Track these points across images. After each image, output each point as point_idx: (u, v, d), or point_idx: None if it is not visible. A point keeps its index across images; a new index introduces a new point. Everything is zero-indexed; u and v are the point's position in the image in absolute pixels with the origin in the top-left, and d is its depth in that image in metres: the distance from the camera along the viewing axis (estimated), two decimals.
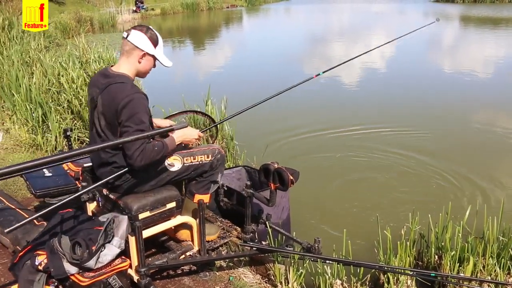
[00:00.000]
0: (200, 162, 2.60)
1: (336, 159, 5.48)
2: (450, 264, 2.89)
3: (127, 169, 2.38)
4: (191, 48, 16.68)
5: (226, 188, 3.20)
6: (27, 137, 5.12)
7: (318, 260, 2.79)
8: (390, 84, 9.61)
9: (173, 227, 2.74)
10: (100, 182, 2.41)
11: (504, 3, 29.59)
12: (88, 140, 5.20)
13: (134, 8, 26.83)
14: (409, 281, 2.84)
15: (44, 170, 3.20)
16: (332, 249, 3.01)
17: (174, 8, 29.89)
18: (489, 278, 2.85)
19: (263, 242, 2.98)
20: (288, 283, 2.78)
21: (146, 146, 2.28)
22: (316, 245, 2.83)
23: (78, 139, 5.25)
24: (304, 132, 6.41)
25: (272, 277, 2.87)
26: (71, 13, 19.76)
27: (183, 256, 2.72)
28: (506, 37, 16.38)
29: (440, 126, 6.64)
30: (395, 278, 2.83)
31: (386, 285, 2.85)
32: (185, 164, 2.56)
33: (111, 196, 2.53)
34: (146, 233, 2.48)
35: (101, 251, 2.28)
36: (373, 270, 2.97)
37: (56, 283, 2.27)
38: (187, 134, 2.57)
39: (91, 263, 2.23)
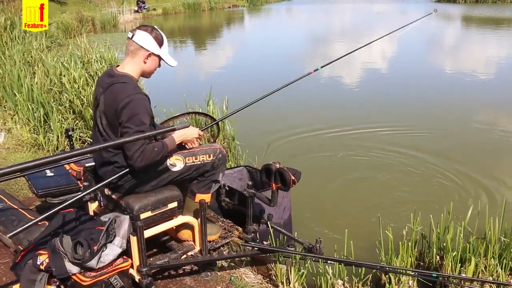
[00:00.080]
0: (202, 162, 2.61)
1: (337, 158, 5.48)
2: (451, 264, 2.89)
3: (128, 169, 2.38)
4: (193, 48, 16.69)
5: (227, 188, 3.20)
6: (29, 137, 5.13)
7: (320, 260, 2.79)
8: (391, 84, 9.61)
9: (174, 227, 2.74)
10: (103, 183, 2.41)
11: (506, 3, 29.55)
12: (89, 140, 5.21)
13: (136, 8, 26.88)
14: (410, 282, 2.84)
15: (46, 170, 3.21)
16: (334, 249, 3.00)
17: (176, 8, 29.93)
18: (491, 278, 2.85)
19: (265, 242, 2.98)
20: (289, 283, 2.78)
21: (146, 147, 2.29)
22: (318, 245, 2.83)
23: (79, 139, 5.26)
24: (305, 132, 6.41)
25: (273, 277, 2.87)
26: (73, 13, 19.80)
27: (185, 256, 2.72)
28: (508, 37, 16.35)
29: (442, 126, 6.64)
30: (397, 278, 2.83)
31: (387, 285, 2.85)
32: (187, 164, 2.56)
33: (113, 196, 2.53)
34: (148, 233, 2.48)
35: (103, 251, 2.28)
36: (375, 270, 2.97)
37: (57, 283, 2.27)
38: (188, 133, 2.57)
39: (92, 263, 2.23)
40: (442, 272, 2.91)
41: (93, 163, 2.94)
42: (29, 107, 5.45)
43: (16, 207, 3.10)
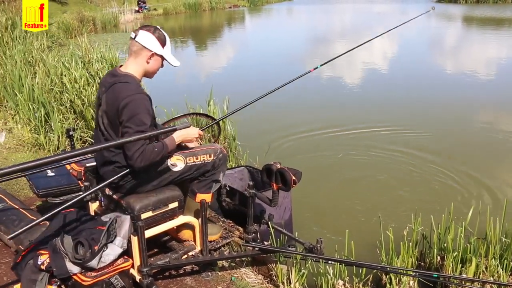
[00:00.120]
0: (203, 162, 2.61)
1: (338, 158, 5.47)
2: (452, 265, 2.88)
3: (129, 169, 2.39)
4: (193, 48, 16.70)
5: (228, 188, 3.20)
6: (30, 137, 5.13)
7: (320, 260, 2.79)
8: (392, 84, 9.61)
9: (175, 227, 2.74)
10: (104, 184, 2.41)
11: (507, 4, 29.53)
12: (90, 140, 5.22)
13: (137, 8, 26.89)
14: (411, 282, 2.84)
15: (47, 169, 3.21)
16: (334, 250, 3.00)
17: (177, 8, 29.93)
18: (492, 279, 2.84)
19: (265, 242, 2.98)
20: (290, 283, 2.77)
21: (146, 147, 2.29)
22: (318, 245, 2.83)
23: (80, 139, 5.26)
24: (306, 132, 6.40)
25: (274, 277, 2.87)
26: (73, 13, 19.80)
27: (186, 256, 2.72)
28: (509, 37, 16.35)
29: (442, 126, 6.64)
30: (397, 278, 2.82)
31: (388, 285, 2.85)
32: (188, 164, 2.56)
33: (114, 196, 2.53)
34: (149, 233, 2.48)
35: (104, 251, 2.28)
36: (375, 271, 2.97)
37: (58, 283, 2.28)
38: (188, 133, 2.57)
39: (93, 263, 2.23)
40: (443, 273, 2.91)
41: (94, 163, 2.94)
42: (30, 107, 5.45)
43: (17, 207, 3.10)
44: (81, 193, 2.96)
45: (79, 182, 3.19)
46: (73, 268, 2.22)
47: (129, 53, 2.48)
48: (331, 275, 2.79)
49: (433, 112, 7.36)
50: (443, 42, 15.97)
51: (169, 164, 2.51)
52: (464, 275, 2.82)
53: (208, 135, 4.99)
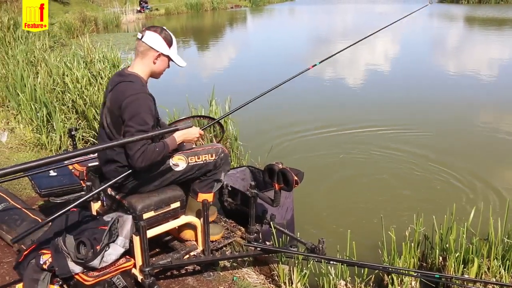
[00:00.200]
0: (205, 162, 2.61)
1: (340, 158, 5.47)
2: (454, 265, 2.88)
3: (131, 169, 2.39)
4: (195, 48, 16.70)
5: (230, 188, 3.20)
6: (32, 137, 5.14)
7: (322, 260, 2.78)
8: (393, 85, 9.60)
9: (177, 227, 2.74)
10: (106, 185, 2.42)
11: (509, 4, 29.45)
12: (92, 140, 5.22)
13: (139, 8, 26.91)
14: (413, 283, 2.84)
15: (49, 169, 3.22)
16: (336, 250, 3.00)
17: (178, 8, 29.95)
18: (494, 279, 2.84)
19: (267, 243, 2.98)
20: (292, 283, 2.77)
21: (147, 147, 2.29)
22: (320, 245, 2.83)
23: (82, 139, 5.27)
24: (308, 132, 6.40)
25: (276, 277, 2.87)
26: (75, 13, 19.84)
27: (187, 256, 2.72)
28: (511, 38, 16.32)
29: (445, 127, 6.63)
30: (399, 279, 2.82)
31: (390, 286, 2.84)
32: (189, 164, 2.56)
33: (116, 195, 2.53)
34: (151, 232, 2.48)
35: (106, 251, 2.28)
36: (377, 271, 2.96)
37: (60, 282, 2.28)
38: (189, 132, 2.57)
39: (95, 263, 2.23)
40: (445, 273, 2.91)
41: (96, 163, 2.95)
42: (32, 106, 5.46)
43: (19, 206, 3.11)
44: (83, 193, 2.97)
45: (81, 182, 3.19)
46: (75, 268, 2.22)
47: (135, 54, 2.49)
48: (333, 276, 2.79)
49: (435, 112, 7.36)
50: (445, 42, 15.95)
51: (171, 164, 2.52)
52: (466, 276, 2.82)
53: (210, 135, 4.99)
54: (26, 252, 2.36)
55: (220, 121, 3.64)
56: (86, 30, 15.28)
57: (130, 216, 2.40)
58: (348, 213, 4.26)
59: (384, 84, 9.69)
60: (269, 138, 5.95)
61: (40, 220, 2.93)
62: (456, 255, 2.88)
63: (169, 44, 2.48)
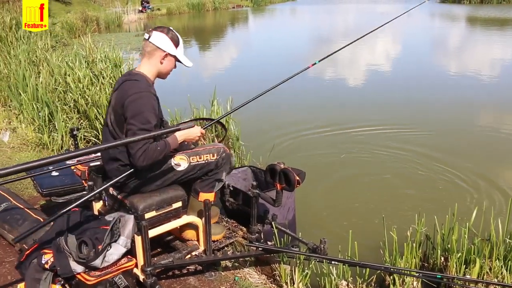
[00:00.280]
0: (206, 161, 2.61)
1: (341, 158, 5.47)
2: (456, 266, 2.87)
3: (133, 169, 2.39)
4: (197, 48, 16.70)
5: (232, 188, 3.20)
6: (34, 136, 5.15)
7: (324, 260, 2.78)
8: (395, 85, 9.59)
9: (178, 227, 2.74)
10: (108, 184, 2.42)
11: (511, 4, 29.39)
12: (94, 139, 5.23)
13: (140, 8, 26.93)
14: (414, 283, 2.83)
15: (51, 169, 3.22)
16: (338, 250, 3.00)
17: (180, 8, 29.97)
18: (496, 280, 2.83)
19: (269, 243, 2.98)
20: (293, 283, 2.77)
21: (149, 146, 2.29)
22: (322, 245, 2.83)
23: (84, 139, 5.27)
24: (309, 132, 6.40)
25: (277, 277, 2.87)
26: (77, 13, 19.88)
27: (189, 255, 2.72)
28: None
29: (447, 127, 6.62)
30: (401, 279, 2.82)
31: (391, 286, 2.84)
32: (191, 164, 2.57)
33: (118, 195, 2.53)
34: (152, 232, 2.48)
35: (107, 250, 2.28)
36: (379, 271, 2.96)
37: (62, 282, 2.28)
38: (190, 132, 2.57)
39: (97, 262, 2.24)
40: (447, 274, 2.90)
41: (98, 163, 2.95)
42: (34, 106, 5.47)
43: (21, 206, 3.11)
44: (84, 192, 2.97)
45: (83, 181, 3.20)
46: (77, 267, 2.23)
47: (142, 54, 2.51)
48: (335, 276, 2.79)
49: (438, 112, 7.34)
50: (447, 43, 15.93)
51: (172, 163, 2.52)
52: (468, 276, 2.81)
53: (212, 135, 4.99)
54: (28, 252, 2.36)
55: (222, 121, 3.63)
56: (88, 30, 15.33)
57: (132, 216, 2.40)
58: (350, 213, 4.25)
59: (385, 84, 9.68)
60: (270, 138, 5.95)
61: (41, 220, 2.94)
62: (458, 255, 2.88)
63: (176, 44, 2.49)
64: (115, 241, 2.33)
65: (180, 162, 2.54)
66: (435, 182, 4.80)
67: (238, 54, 15.38)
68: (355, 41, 3.81)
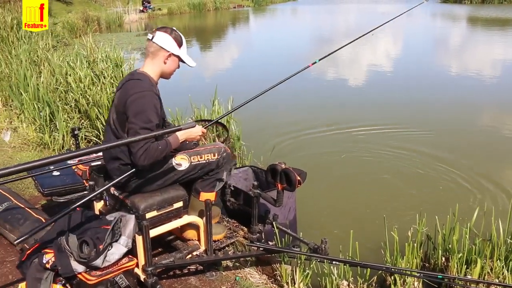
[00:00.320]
0: (207, 161, 2.61)
1: (343, 158, 5.46)
2: (457, 266, 2.87)
3: (134, 169, 2.39)
4: (198, 48, 16.70)
5: (233, 188, 3.20)
6: (35, 136, 5.15)
7: (325, 261, 2.78)
8: (396, 85, 9.59)
9: (179, 227, 2.74)
10: (109, 184, 2.42)
11: None
12: (95, 139, 5.24)
13: (141, 8, 26.96)
14: (415, 283, 2.83)
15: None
16: (339, 250, 3.00)
17: (181, 8, 30.00)
18: (497, 280, 2.83)
19: (270, 243, 2.98)
20: (294, 283, 2.77)
21: (150, 145, 2.29)
22: (323, 245, 2.82)
23: (85, 138, 5.27)
24: (310, 132, 6.40)
25: (278, 277, 2.87)
26: (78, 13, 19.91)
27: (190, 255, 2.72)
28: None
29: (448, 127, 6.61)
30: (402, 279, 2.82)
31: (392, 286, 2.84)
32: (192, 163, 2.57)
33: (119, 195, 2.53)
34: (153, 232, 2.48)
35: (108, 250, 2.28)
36: (380, 272, 2.96)
37: (63, 281, 2.28)
38: (191, 131, 2.57)
39: (98, 262, 2.24)
40: (448, 274, 2.90)
41: (99, 163, 2.95)
42: (35, 106, 5.47)
43: (22, 206, 3.12)
44: (85, 192, 2.97)
45: (84, 181, 3.20)
46: (78, 267, 2.23)
47: (146, 55, 2.52)
48: (336, 276, 2.79)
49: (439, 112, 7.34)
50: (448, 43, 15.91)
51: (174, 163, 2.52)
52: (469, 277, 2.81)
53: (213, 135, 4.99)
54: (29, 251, 2.36)
55: (224, 122, 3.63)
56: (89, 29, 15.34)
57: (133, 216, 2.40)
58: (351, 213, 4.25)
59: (386, 84, 9.68)
60: (271, 138, 5.95)
61: (43, 220, 2.94)
62: (459, 255, 2.87)
63: (179, 44, 2.50)
64: (116, 240, 2.32)
65: (181, 162, 2.54)
66: (436, 182, 4.79)
67: (239, 54, 15.39)
68: (354, 40, 3.82)
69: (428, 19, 23.67)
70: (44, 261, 2.24)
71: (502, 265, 2.86)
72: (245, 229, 3.08)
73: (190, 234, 2.82)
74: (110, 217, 2.42)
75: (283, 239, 3.07)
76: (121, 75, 5.97)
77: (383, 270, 2.89)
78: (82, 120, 5.51)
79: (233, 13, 31.71)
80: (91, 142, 5.27)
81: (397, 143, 5.84)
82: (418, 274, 2.82)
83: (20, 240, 2.23)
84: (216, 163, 2.64)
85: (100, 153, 2.93)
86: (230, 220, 3.20)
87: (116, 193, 2.56)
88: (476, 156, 5.51)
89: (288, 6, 38.18)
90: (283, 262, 2.92)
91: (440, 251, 3.02)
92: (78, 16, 18.94)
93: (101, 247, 2.25)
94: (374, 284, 2.91)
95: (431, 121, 6.83)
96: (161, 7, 29.41)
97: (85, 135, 5.27)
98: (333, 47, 3.69)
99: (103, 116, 5.26)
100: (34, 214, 3.02)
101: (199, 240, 2.78)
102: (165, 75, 2.56)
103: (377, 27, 3.98)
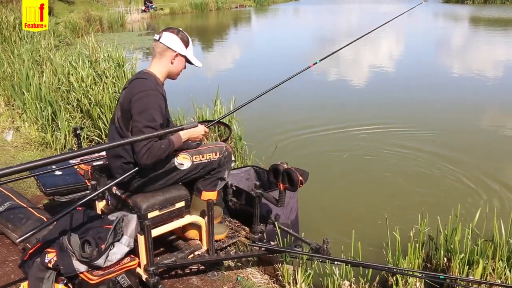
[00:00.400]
0: (209, 160, 2.62)
1: (345, 158, 5.46)
2: (459, 266, 2.87)
3: (137, 168, 2.40)
4: (200, 48, 16.70)
5: (234, 188, 3.20)
6: (37, 136, 5.16)
7: (327, 261, 2.78)
8: (398, 85, 9.58)
9: (181, 226, 2.74)
10: (111, 183, 2.42)
11: None
12: (97, 139, 5.24)
13: (143, 8, 27.00)
14: (417, 283, 2.82)
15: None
16: (341, 250, 2.99)
17: (183, 8, 30.03)
18: (499, 281, 2.82)
19: (272, 243, 2.98)
20: (296, 283, 2.77)
21: (153, 144, 2.30)
22: (325, 246, 2.82)
23: (87, 138, 5.28)
24: (312, 131, 6.39)
25: (280, 277, 2.87)
26: (80, 13, 19.93)
27: (192, 255, 2.72)
28: None
29: (451, 127, 6.59)
30: (404, 280, 2.81)
31: (394, 286, 2.83)
32: (194, 163, 2.57)
33: (121, 195, 2.54)
34: (155, 232, 2.49)
35: (110, 250, 2.28)
36: (382, 272, 2.95)
37: (65, 281, 2.28)
38: (194, 130, 2.58)
39: (100, 262, 2.24)
40: (450, 274, 2.90)
41: (101, 162, 2.95)
42: (37, 105, 5.48)
43: (25, 205, 3.12)
44: (88, 192, 2.97)
45: (86, 181, 3.20)
46: (80, 267, 2.23)
47: (153, 55, 2.54)
48: (337, 276, 2.79)
49: (442, 112, 7.32)
50: (450, 43, 15.89)
51: (176, 163, 2.52)
52: (471, 277, 2.80)
53: (215, 134, 4.99)
54: (31, 251, 2.36)
55: (226, 121, 3.63)
56: (91, 29, 15.34)
57: (135, 215, 2.40)
58: (353, 213, 4.25)
59: (388, 84, 9.67)
60: (273, 138, 5.95)
61: (45, 219, 2.94)
62: (461, 256, 2.87)
63: (186, 44, 2.52)
64: (118, 240, 2.32)
65: (183, 161, 2.54)
66: (438, 182, 4.78)
67: (241, 54, 15.39)
68: (354, 41, 3.81)
69: (429, 19, 23.65)
70: (46, 261, 2.25)
71: (504, 266, 2.85)
72: (247, 229, 3.08)
73: (192, 233, 2.82)
74: (112, 216, 2.42)
75: (285, 239, 3.06)
76: (123, 75, 5.98)
77: (385, 270, 2.89)
78: (84, 120, 5.51)
79: (235, 13, 31.72)
80: (93, 142, 5.28)
81: (399, 143, 5.83)
82: (420, 275, 2.82)
83: (22, 239, 2.23)
84: (217, 162, 2.65)
85: (102, 153, 2.93)
86: (232, 220, 3.20)
87: (118, 192, 2.56)
88: (477, 156, 5.49)
89: (290, 6, 38.18)
90: (285, 262, 2.92)
91: (442, 251, 3.02)
92: (80, 16, 18.96)
93: (103, 246, 2.25)
94: (376, 285, 2.91)
95: (432, 121, 6.82)
96: (163, 7, 29.44)
97: (87, 135, 5.28)
98: (335, 47, 3.69)
99: (105, 116, 5.27)
100: (36, 214, 3.02)
101: (201, 240, 2.78)
102: (171, 75, 2.57)
103: (377, 27, 3.98)
